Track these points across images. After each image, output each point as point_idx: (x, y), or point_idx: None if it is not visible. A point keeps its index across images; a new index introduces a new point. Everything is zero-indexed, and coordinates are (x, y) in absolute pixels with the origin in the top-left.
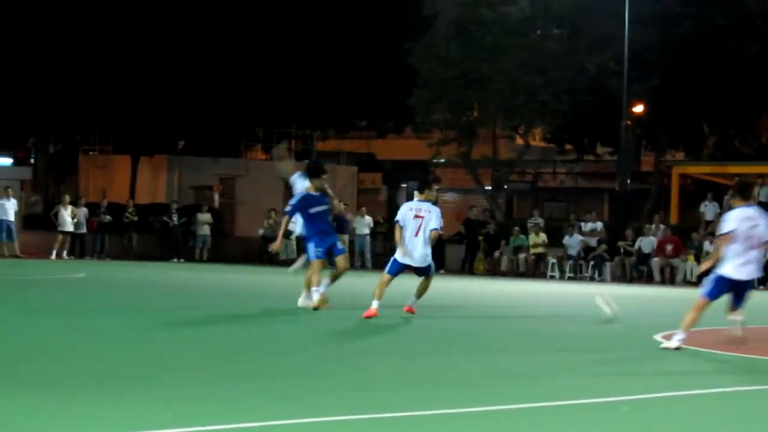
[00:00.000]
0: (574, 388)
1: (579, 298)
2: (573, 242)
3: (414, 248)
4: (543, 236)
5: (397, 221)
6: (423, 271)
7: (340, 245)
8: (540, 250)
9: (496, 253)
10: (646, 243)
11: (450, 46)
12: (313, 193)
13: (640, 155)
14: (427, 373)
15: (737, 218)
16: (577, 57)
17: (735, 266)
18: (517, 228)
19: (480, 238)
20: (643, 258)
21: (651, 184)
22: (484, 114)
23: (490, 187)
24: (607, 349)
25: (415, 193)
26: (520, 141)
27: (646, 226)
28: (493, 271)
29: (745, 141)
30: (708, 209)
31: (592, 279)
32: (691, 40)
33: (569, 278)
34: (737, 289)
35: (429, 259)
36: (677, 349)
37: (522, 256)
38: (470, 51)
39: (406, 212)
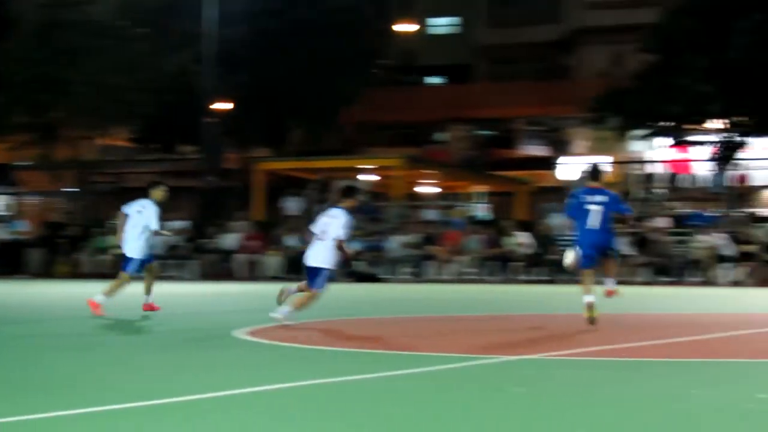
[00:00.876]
0: (157, 389)
1: (162, 297)
2: (157, 241)
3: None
4: None
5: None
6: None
7: None
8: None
9: (78, 255)
10: (231, 239)
11: (30, 47)
12: None
13: (225, 152)
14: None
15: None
16: (162, 56)
17: (308, 252)
18: (99, 229)
19: (62, 240)
20: (228, 254)
21: (236, 180)
22: (66, 115)
23: (72, 189)
24: (187, 346)
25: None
26: (102, 141)
27: (230, 223)
28: (75, 272)
29: (329, 136)
30: (291, 204)
31: (177, 277)
32: (278, 37)
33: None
34: (308, 272)
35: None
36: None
37: (105, 256)
38: (51, 53)
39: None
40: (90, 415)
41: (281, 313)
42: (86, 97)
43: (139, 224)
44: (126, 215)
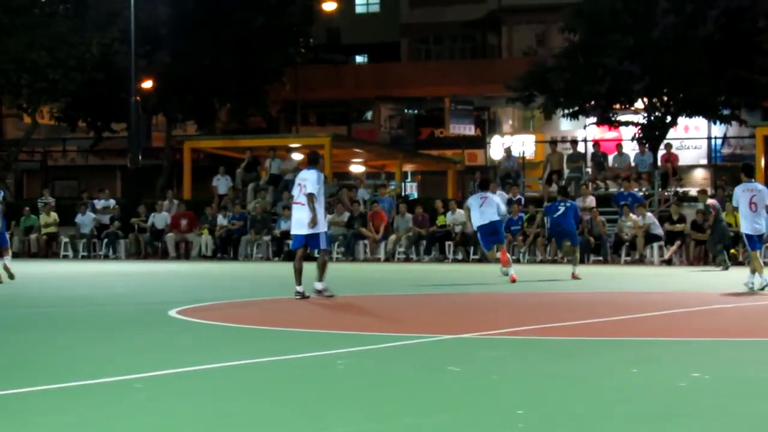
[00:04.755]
0: (89, 369)
1: (93, 277)
2: (85, 220)
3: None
4: (54, 215)
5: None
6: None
7: None
8: (52, 229)
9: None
10: (160, 218)
11: None
12: None
13: (151, 131)
14: None
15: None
16: (85, 34)
17: None
18: (27, 208)
19: None
20: (158, 234)
21: (163, 159)
22: None
23: None
24: (122, 327)
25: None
26: (27, 120)
27: (159, 202)
28: None
29: (256, 114)
30: (221, 183)
31: (106, 257)
32: (199, 14)
33: (83, 257)
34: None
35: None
36: None
37: (34, 236)
38: None
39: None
40: (19, 396)
41: None
42: (8, 75)
43: None
44: None
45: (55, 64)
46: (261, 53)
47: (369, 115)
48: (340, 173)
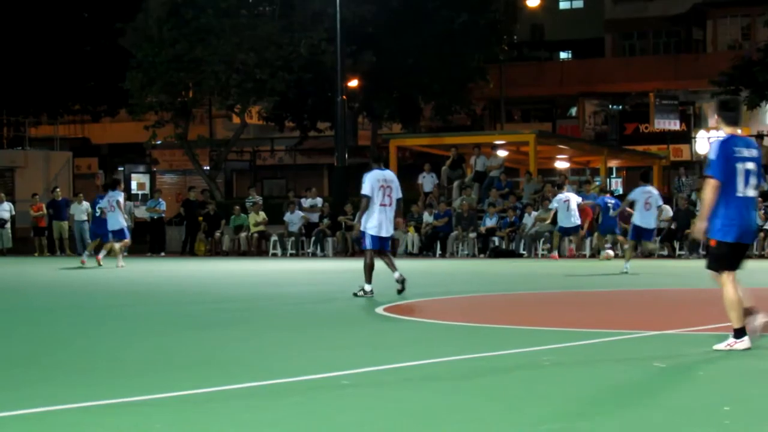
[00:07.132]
0: (297, 366)
1: (301, 274)
2: (294, 219)
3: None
4: (262, 214)
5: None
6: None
7: None
8: (261, 228)
9: (217, 233)
10: None
11: (162, 28)
12: None
13: (357, 129)
14: (150, 357)
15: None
16: (291, 34)
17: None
18: (237, 207)
19: (200, 218)
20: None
21: (369, 157)
22: (200, 95)
23: (208, 167)
24: (329, 324)
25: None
26: (236, 120)
27: None
28: (215, 251)
29: (459, 111)
30: (426, 180)
31: (314, 255)
32: (402, 12)
33: (291, 255)
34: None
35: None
36: None
37: (243, 234)
38: (183, 33)
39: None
40: (226, 393)
41: None
42: (217, 76)
43: None
44: None
45: (262, 65)
46: (464, 51)
47: (573, 111)
48: (544, 170)
